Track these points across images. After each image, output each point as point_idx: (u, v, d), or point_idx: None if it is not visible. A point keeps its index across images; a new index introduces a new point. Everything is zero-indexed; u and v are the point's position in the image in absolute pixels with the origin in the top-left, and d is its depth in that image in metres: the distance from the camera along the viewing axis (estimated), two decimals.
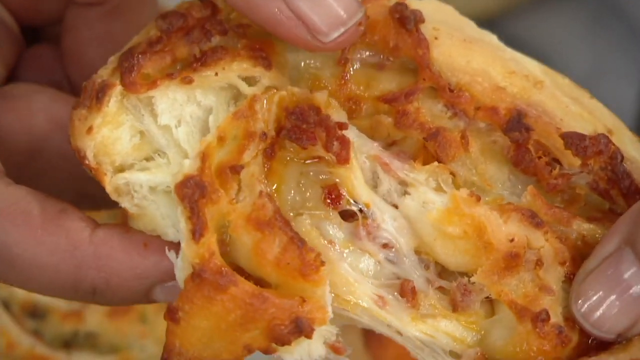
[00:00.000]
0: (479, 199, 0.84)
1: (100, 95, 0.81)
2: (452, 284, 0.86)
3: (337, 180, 0.84)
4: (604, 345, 0.85)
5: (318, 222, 0.84)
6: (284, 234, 0.80)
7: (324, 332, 0.82)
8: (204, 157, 0.80)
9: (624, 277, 0.82)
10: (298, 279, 0.80)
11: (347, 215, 0.85)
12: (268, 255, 0.80)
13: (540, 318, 0.84)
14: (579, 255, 0.86)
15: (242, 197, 0.81)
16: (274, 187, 0.84)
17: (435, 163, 0.85)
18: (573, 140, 0.84)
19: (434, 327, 0.86)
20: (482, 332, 0.87)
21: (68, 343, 1.56)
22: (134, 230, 0.84)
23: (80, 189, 0.89)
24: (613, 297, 0.83)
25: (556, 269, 0.85)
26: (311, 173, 0.84)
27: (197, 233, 0.78)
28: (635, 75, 1.81)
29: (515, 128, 0.84)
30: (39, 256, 0.82)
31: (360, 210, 0.84)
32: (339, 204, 0.84)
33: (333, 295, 0.83)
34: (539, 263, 0.84)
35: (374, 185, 0.85)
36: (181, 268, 0.80)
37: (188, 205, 0.79)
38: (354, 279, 0.84)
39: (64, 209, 0.83)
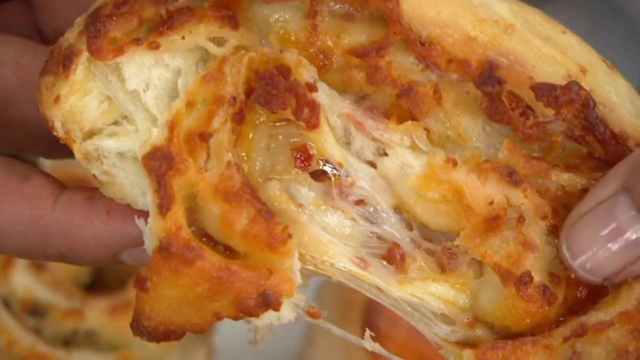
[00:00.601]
0: (455, 163, 0.83)
1: (67, 62, 0.80)
2: (437, 247, 0.85)
3: (309, 143, 0.83)
4: (592, 299, 0.84)
5: (288, 185, 0.83)
6: (251, 206, 0.79)
7: (294, 299, 0.81)
8: (172, 125, 0.79)
9: (618, 222, 0.81)
10: (265, 251, 0.79)
11: (320, 175, 0.84)
12: (236, 227, 0.79)
13: (522, 282, 0.83)
14: (560, 205, 0.85)
15: (211, 165, 0.80)
16: (243, 154, 0.83)
17: (409, 122, 0.84)
18: (544, 92, 0.83)
19: (423, 289, 0.85)
20: (473, 295, 0.86)
21: (68, 341, 1.55)
22: (98, 196, 0.83)
23: (52, 138, 0.88)
24: (604, 240, 0.82)
25: (538, 223, 0.84)
26: (280, 136, 0.83)
27: (163, 207, 0.78)
28: (635, 75, 1.80)
29: (488, 82, 0.83)
30: (5, 226, 0.83)
31: (334, 169, 0.83)
32: (309, 165, 0.83)
33: (309, 255, 0.82)
34: (520, 220, 0.83)
35: (347, 142, 0.84)
36: (149, 238, 0.79)
37: (155, 179, 0.78)
38: (327, 240, 0.83)
39: (27, 176, 0.84)
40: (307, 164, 0.83)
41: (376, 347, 0.86)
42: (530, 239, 0.84)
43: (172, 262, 0.78)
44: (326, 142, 0.83)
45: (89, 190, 0.84)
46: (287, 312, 0.81)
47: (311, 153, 0.83)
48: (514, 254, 0.84)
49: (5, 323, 1.52)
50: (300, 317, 0.84)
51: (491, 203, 0.83)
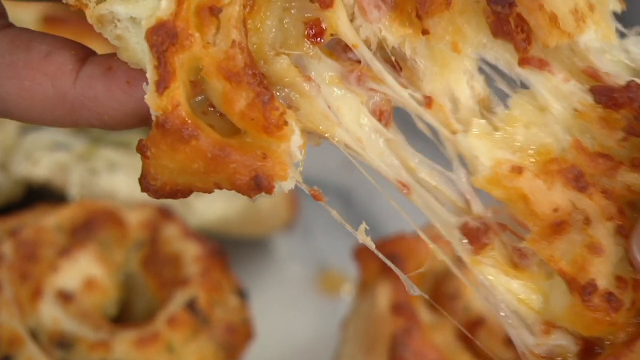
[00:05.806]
0: (520, 171, 0.84)
1: None
2: (511, 239, 0.85)
3: (322, 18, 0.84)
4: None
5: (298, 58, 0.84)
6: (251, 89, 0.80)
7: (292, 177, 0.83)
8: None
9: None
10: (262, 133, 0.81)
11: (342, 58, 0.85)
12: (235, 107, 0.80)
13: (587, 291, 0.83)
14: (625, 204, 0.85)
15: (219, 40, 0.81)
16: (257, 25, 0.83)
17: (410, 31, 0.85)
18: (602, 96, 0.84)
19: (495, 278, 0.85)
20: (545, 296, 0.86)
21: None
22: (117, 65, 0.84)
23: None
24: None
25: (604, 224, 0.84)
26: (294, 10, 0.84)
27: (161, 85, 0.79)
28: None
29: (499, 1, 0.84)
30: (34, 105, 0.85)
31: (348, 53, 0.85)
32: (321, 39, 0.84)
33: (317, 127, 0.84)
34: (586, 221, 0.84)
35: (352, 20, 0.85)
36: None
37: (156, 55, 0.79)
38: (335, 119, 0.84)
39: (48, 53, 0.85)
40: (318, 38, 0.84)
41: (367, 240, 0.86)
42: (597, 241, 0.84)
43: (168, 138, 0.80)
44: (339, 20, 0.83)
45: (108, 59, 0.85)
46: (286, 185, 0.82)
47: (323, 27, 0.83)
48: (579, 259, 0.84)
49: (33, 355, 1.53)
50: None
51: (556, 210, 0.84)
